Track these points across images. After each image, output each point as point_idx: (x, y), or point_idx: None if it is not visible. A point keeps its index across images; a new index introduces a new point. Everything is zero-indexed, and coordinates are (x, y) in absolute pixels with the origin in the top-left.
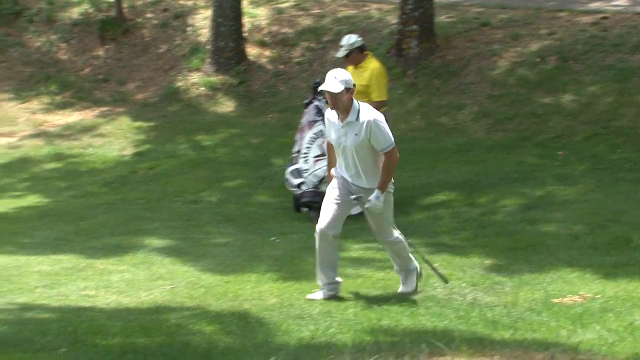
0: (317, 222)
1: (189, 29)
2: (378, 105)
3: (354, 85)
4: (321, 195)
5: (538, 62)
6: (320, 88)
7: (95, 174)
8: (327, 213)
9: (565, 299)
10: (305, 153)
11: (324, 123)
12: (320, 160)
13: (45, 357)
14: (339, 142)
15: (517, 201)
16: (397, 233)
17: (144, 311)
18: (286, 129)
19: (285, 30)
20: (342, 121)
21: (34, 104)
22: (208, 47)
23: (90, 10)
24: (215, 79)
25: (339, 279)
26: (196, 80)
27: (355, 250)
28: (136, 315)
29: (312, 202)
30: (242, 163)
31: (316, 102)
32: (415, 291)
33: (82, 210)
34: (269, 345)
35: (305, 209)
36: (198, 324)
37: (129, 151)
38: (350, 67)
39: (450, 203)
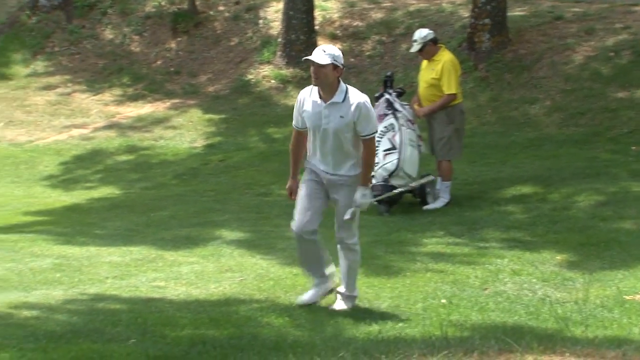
0: (387, 215)
1: (260, 21)
2: (448, 99)
3: (343, 66)
4: (391, 189)
5: (612, 56)
6: (305, 58)
7: (166, 165)
8: (299, 211)
9: (637, 296)
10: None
11: (394, 116)
12: (390, 153)
13: (115, 348)
14: (317, 125)
15: (589, 197)
16: (357, 239)
17: (213, 303)
18: None
19: (356, 23)
20: (325, 101)
21: (107, 96)
22: (279, 39)
23: (164, 3)
24: (286, 71)
25: (327, 270)
26: (267, 72)
27: (425, 244)
28: (205, 307)
29: (382, 195)
30: None
31: (387, 96)
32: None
33: (153, 202)
34: (338, 339)
35: (374, 203)
36: (267, 317)
37: (199, 143)
38: (425, 62)
39: (521, 198)
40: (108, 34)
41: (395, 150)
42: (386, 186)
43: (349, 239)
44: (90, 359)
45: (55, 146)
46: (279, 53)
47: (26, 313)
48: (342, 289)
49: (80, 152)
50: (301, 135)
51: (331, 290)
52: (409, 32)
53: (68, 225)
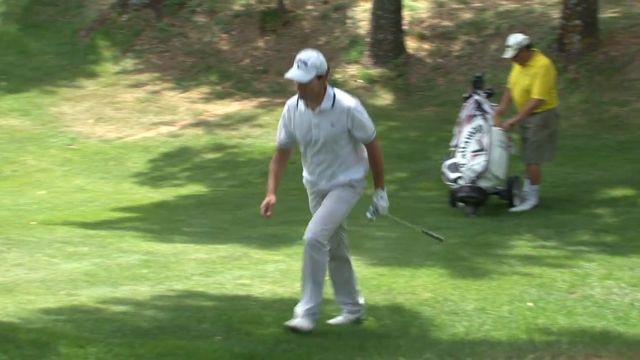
0: (473, 216)
1: (348, 21)
2: (535, 103)
3: (327, 71)
4: (478, 190)
5: None
6: (287, 76)
7: (253, 164)
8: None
9: None
10: (463, 147)
11: (483, 117)
12: (478, 155)
13: (201, 345)
14: (309, 136)
15: None
16: (327, 243)
17: (298, 302)
18: (444, 123)
19: (445, 23)
20: (312, 110)
21: (195, 94)
22: (367, 39)
23: (252, 2)
24: (374, 71)
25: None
26: (354, 72)
27: (512, 247)
28: (290, 306)
29: (469, 197)
30: (399, 156)
31: (476, 97)
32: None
33: (240, 200)
34: (423, 340)
35: (461, 204)
36: None
37: None
38: (518, 66)
39: (611, 201)
40: (197, 32)
41: (483, 151)
42: (474, 187)
43: (319, 234)
44: (176, 355)
45: (144, 143)
46: (366, 53)
47: (114, 308)
48: (301, 305)
49: (168, 149)
50: (284, 153)
51: (358, 319)
52: (498, 32)
53: (155, 221)
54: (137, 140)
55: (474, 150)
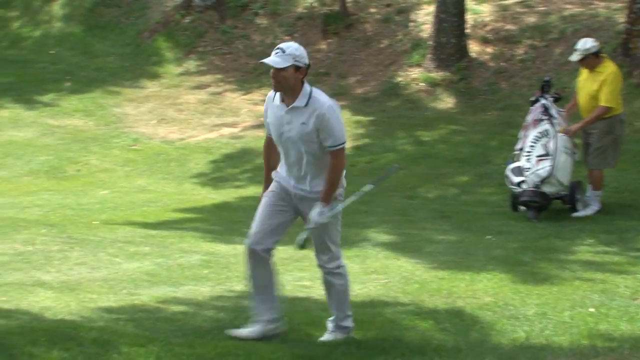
0: (535, 221)
1: (411, 24)
2: (602, 111)
3: (307, 65)
4: (541, 195)
5: None
6: (261, 61)
7: None
8: (256, 224)
9: None
10: (528, 151)
11: (550, 122)
12: (543, 160)
13: (261, 346)
14: (280, 132)
15: None
16: (342, 261)
17: (358, 304)
18: (506, 127)
19: (508, 27)
20: (287, 105)
21: (257, 95)
22: (430, 42)
23: (315, 5)
24: (436, 74)
25: (274, 313)
26: (416, 75)
27: (574, 252)
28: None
29: (531, 201)
30: (461, 160)
31: (543, 101)
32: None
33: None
34: (483, 344)
35: (523, 208)
36: (411, 320)
37: (347, 144)
38: (585, 71)
39: None
40: (259, 34)
41: (549, 156)
42: (537, 192)
43: (330, 263)
44: (235, 356)
45: (206, 144)
46: (429, 56)
47: (174, 308)
48: (331, 320)
49: (230, 150)
50: (272, 142)
51: (275, 336)
52: (563, 37)
53: (216, 222)
54: (199, 141)
55: (539, 155)
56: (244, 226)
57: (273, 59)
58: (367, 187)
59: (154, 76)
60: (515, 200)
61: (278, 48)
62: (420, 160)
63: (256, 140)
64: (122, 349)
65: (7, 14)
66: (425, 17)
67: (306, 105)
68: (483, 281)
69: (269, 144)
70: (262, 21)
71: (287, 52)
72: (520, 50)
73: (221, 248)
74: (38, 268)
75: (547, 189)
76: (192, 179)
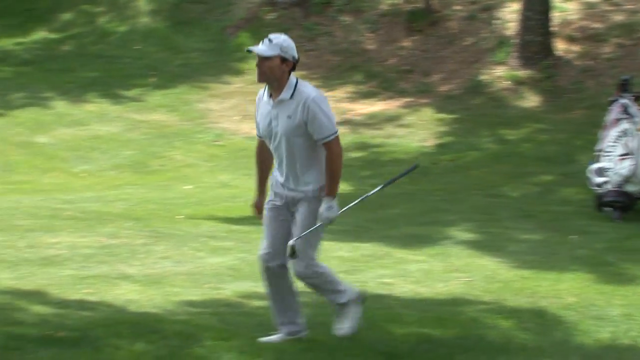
0: (619, 221)
1: (496, 21)
2: None
3: (295, 59)
4: (624, 195)
5: None
6: (247, 49)
7: (397, 163)
8: (267, 241)
9: None
10: (609, 151)
11: (630, 121)
12: (625, 159)
13: (342, 341)
14: (269, 129)
15: None
16: (316, 262)
17: (440, 302)
18: (592, 126)
19: (595, 25)
20: (273, 100)
21: (340, 93)
22: (515, 40)
23: (399, 2)
24: (521, 73)
25: (300, 320)
26: (501, 73)
27: None
28: (432, 306)
29: (615, 201)
30: (546, 159)
31: (623, 100)
32: (355, 328)
33: (383, 199)
34: (566, 344)
35: (607, 209)
36: (494, 319)
37: (430, 142)
38: None
39: None
40: (343, 31)
41: (630, 155)
42: (620, 192)
43: (307, 270)
44: (317, 351)
45: None
46: (514, 54)
47: (256, 303)
48: (335, 309)
49: None
50: (264, 144)
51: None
52: None
53: None
54: None
55: (620, 154)
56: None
57: (259, 48)
58: (377, 188)
59: (238, 72)
60: (600, 201)
61: (266, 38)
62: (504, 159)
63: (340, 137)
64: (205, 342)
65: (94, 9)
66: (510, 15)
67: (291, 97)
68: (567, 281)
69: (261, 146)
70: (345, 18)
71: (275, 42)
72: (607, 49)
73: None
74: (123, 261)
75: (630, 188)
76: None
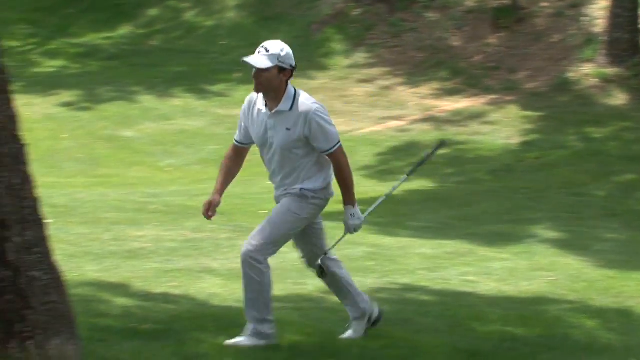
0: None
1: (584, 18)
2: None
3: (293, 67)
4: None
5: None
6: (243, 59)
7: (481, 161)
8: (300, 251)
9: None
10: None
11: None
12: None
13: (425, 339)
14: (264, 139)
15: None
16: (264, 259)
17: (524, 301)
18: None
19: None
20: (270, 110)
21: (424, 89)
22: (603, 38)
23: None
24: (609, 70)
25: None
26: (588, 71)
27: None
28: (515, 305)
29: None
30: (633, 158)
31: None
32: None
33: (466, 197)
34: None
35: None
36: (578, 318)
37: (515, 140)
38: None
39: None
40: (428, 28)
41: None
42: None
43: (254, 249)
44: (400, 348)
45: (372, 137)
46: (601, 51)
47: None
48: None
49: (396, 143)
50: (239, 151)
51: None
52: None
53: (381, 215)
54: (365, 133)
55: None
56: (409, 219)
57: (255, 59)
58: (403, 179)
59: (323, 68)
60: None
61: (262, 46)
62: (590, 158)
63: (423, 133)
64: (287, 337)
65: (180, 4)
66: (598, 12)
67: (291, 109)
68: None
69: (234, 152)
70: (431, 14)
71: (271, 52)
72: None
73: (386, 241)
74: (206, 255)
75: None
76: (358, 171)
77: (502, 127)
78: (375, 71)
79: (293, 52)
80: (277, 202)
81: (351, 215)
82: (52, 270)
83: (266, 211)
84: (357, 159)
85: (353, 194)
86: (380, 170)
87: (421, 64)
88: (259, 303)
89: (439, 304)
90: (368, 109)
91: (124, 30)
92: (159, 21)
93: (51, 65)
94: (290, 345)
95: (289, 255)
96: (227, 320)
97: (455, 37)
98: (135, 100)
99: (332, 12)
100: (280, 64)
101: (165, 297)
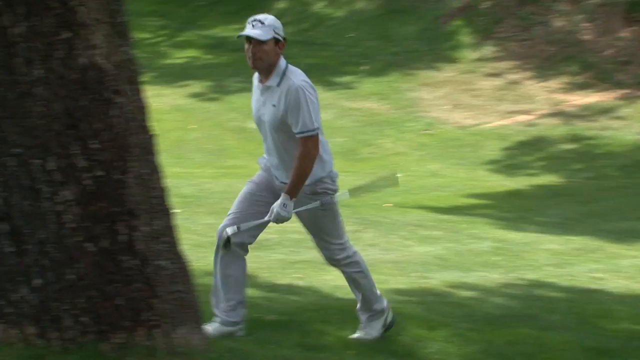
0: None
1: None
2: None
3: (284, 38)
4: None
5: None
6: (241, 34)
7: (611, 156)
8: (231, 210)
9: None
10: None
11: None
12: None
13: (551, 336)
14: (258, 116)
15: None
16: (351, 251)
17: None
18: None
19: None
20: (262, 84)
21: (553, 84)
22: None
23: None
24: None
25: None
26: None
27: None
28: None
29: None
30: None
31: None
32: (376, 337)
33: (595, 192)
34: None
35: None
36: None
37: None
38: None
39: None
40: (559, 21)
41: None
42: None
43: (336, 255)
44: (526, 344)
45: (499, 131)
46: None
47: (464, 293)
48: (362, 315)
49: (524, 138)
50: None
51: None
52: None
53: (508, 210)
54: (492, 127)
55: None
56: (536, 214)
57: (255, 32)
58: (344, 196)
59: (450, 61)
60: None
61: (255, 20)
62: None
63: (552, 128)
64: (410, 330)
65: None
66: None
67: (278, 84)
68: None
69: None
70: (562, 7)
71: (267, 23)
72: None
73: (512, 236)
74: None
75: None
76: (484, 165)
77: (634, 123)
78: (503, 65)
79: (421, 45)
80: (274, 185)
81: (284, 205)
82: (178, 259)
83: (391, 204)
84: (484, 153)
85: (300, 188)
86: (507, 165)
87: (550, 58)
88: (370, 288)
89: (566, 301)
90: (495, 103)
91: None
92: (287, 13)
93: (181, 57)
94: (414, 338)
95: (413, 249)
96: (351, 313)
97: (586, 31)
98: None
99: (461, 4)
100: (276, 36)
101: (290, 289)
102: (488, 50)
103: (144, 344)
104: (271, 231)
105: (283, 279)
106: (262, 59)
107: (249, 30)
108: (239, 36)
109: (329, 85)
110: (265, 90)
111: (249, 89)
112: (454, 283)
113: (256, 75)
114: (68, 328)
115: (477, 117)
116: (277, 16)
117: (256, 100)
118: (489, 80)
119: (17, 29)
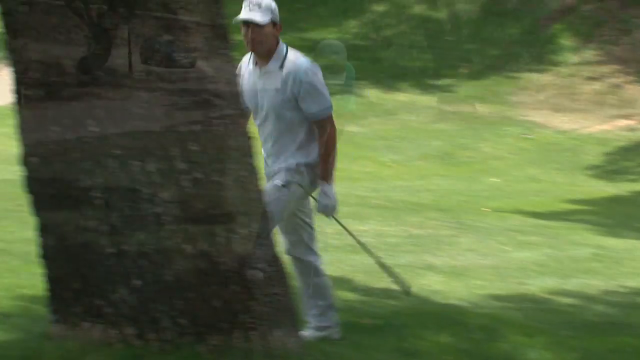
0: None
1: None
2: None
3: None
4: None
5: None
6: (238, 18)
7: None
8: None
9: None
10: None
11: None
12: None
13: None
14: (253, 101)
15: None
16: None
17: None
18: None
19: None
20: (260, 68)
21: None
22: None
23: None
24: None
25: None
26: None
27: None
28: None
29: None
30: None
31: None
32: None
33: None
34: None
35: None
36: None
37: None
38: None
39: None
40: None
41: None
42: None
43: (305, 255)
44: (626, 353)
45: (600, 136)
46: None
47: (563, 300)
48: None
49: (625, 143)
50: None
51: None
52: None
53: (609, 216)
54: (593, 132)
55: None
56: (637, 221)
57: (253, 15)
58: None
59: (550, 65)
60: None
61: (251, 3)
62: None
63: None
64: (508, 337)
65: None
66: None
67: (281, 67)
68: None
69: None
70: None
71: (264, 6)
72: None
73: (613, 242)
74: (428, 252)
75: None
76: (584, 171)
77: None
78: (605, 68)
79: (519, 49)
80: (268, 176)
81: (325, 193)
82: (275, 262)
83: (489, 209)
84: (584, 157)
85: (333, 172)
86: (609, 170)
87: None
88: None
89: None
90: (596, 107)
91: (350, 25)
92: (385, 16)
93: None
94: (512, 345)
95: (511, 255)
96: (447, 318)
97: None
98: (362, 95)
99: (561, 8)
100: (274, 18)
101: (386, 293)
102: (589, 54)
103: (241, 346)
104: (368, 234)
105: (379, 283)
106: (262, 42)
107: (248, 14)
108: (235, 21)
109: (427, 88)
110: (264, 74)
111: (347, 92)
112: (552, 290)
113: (245, 60)
114: (166, 329)
115: (577, 122)
116: (376, 20)
117: (251, 84)
118: (589, 85)
119: (119, 32)
